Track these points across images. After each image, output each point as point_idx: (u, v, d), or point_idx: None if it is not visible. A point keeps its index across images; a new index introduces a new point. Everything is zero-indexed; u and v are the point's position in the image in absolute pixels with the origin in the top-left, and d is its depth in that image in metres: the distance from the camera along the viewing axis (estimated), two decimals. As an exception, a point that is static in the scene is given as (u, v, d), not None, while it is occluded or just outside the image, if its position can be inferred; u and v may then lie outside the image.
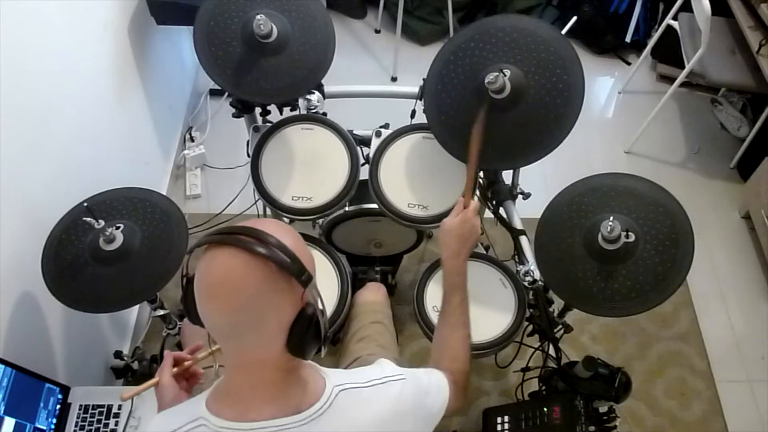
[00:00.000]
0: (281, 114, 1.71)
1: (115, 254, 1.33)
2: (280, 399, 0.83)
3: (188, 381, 1.11)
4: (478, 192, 1.62)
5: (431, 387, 1.00)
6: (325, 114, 1.69)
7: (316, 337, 0.81)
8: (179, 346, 1.67)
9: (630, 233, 1.22)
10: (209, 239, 0.77)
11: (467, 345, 1.16)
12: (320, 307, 0.80)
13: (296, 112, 1.68)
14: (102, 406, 1.45)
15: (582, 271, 1.28)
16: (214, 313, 0.78)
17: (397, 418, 0.92)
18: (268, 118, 1.74)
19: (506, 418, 1.53)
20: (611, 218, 1.20)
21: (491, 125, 1.32)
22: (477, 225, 1.25)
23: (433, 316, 1.48)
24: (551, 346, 1.57)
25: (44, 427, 1.35)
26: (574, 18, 1.82)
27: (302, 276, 0.77)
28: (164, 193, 2.41)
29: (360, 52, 3.17)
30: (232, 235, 0.76)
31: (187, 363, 1.09)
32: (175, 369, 1.08)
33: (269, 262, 0.74)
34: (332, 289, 1.51)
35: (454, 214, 1.26)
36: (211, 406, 0.85)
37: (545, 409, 1.46)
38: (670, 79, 2.79)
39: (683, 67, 2.51)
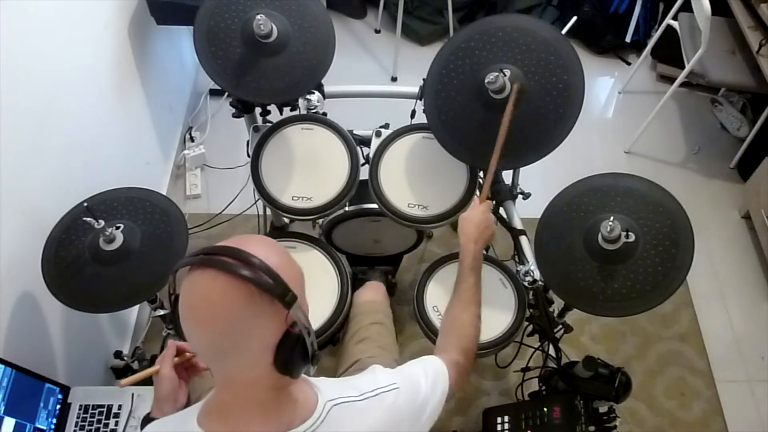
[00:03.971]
0: (281, 114, 1.71)
1: (115, 254, 1.33)
2: (271, 417, 0.83)
3: (187, 371, 1.10)
4: (478, 192, 1.62)
5: (427, 385, 0.99)
6: (325, 114, 1.69)
7: (303, 357, 0.79)
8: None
9: (630, 233, 1.22)
10: (192, 261, 0.75)
11: (477, 325, 1.18)
12: (306, 326, 0.78)
13: (296, 112, 1.68)
14: (102, 406, 1.45)
15: (582, 271, 1.28)
16: (196, 335, 0.77)
17: (392, 427, 0.91)
18: (268, 118, 1.74)
19: (506, 418, 1.52)
20: (611, 218, 1.20)
21: (491, 125, 1.33)
22: (492, 220, 1.33)
23: (433, 316, 1.47)
24: (551, 346, 1.57)
25: (44, 427, 1.35)
26: (574, 18, 1.82)
27: (285, 297, 0.74)
28: (164, 193, 2.40)
29: (360, 52, 3.17)
30: (214, 256, 0.74)
31: (188, 354, 1.09)
32: (176, 359, 1.08)
33: (250, 284, 0.72)
34: (332, 289, 1.51)
35: (471, 207, 1.35)
36: (202, 422, 0.84)
37: (545, 409, 1.46)
38: (670, 79, 2.79)
39: (683, 67, 2.51)
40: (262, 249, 0.77)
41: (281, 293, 0.74)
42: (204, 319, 0.75)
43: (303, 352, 0.79)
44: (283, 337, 0.77)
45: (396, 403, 0.92)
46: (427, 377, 1.00)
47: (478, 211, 1.31)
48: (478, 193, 1.56)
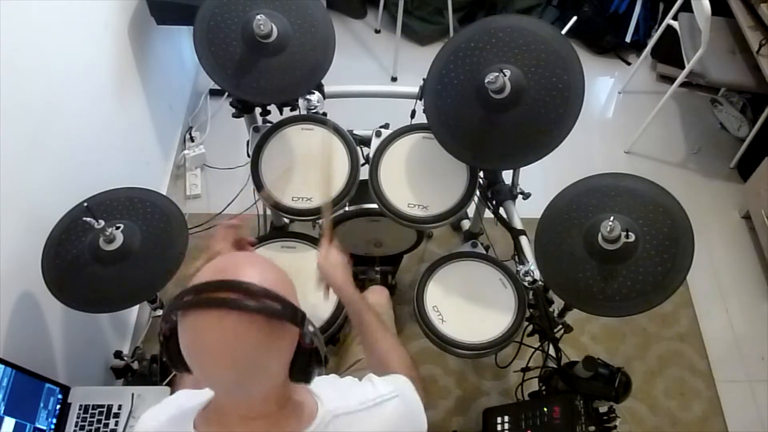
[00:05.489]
0: (281, 114, 1.71)
1: (115, 254, 1.34)
2: (273, 428, 0.82)
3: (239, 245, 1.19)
4: (478, 192, 1.63)
5: (416, 396, 0.98)
6: (325, 114, 1.69)
7: (317, 362, 0.80)
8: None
9: (630, 233, 1.22)
10: (188, 303, 0.71)
11: (399, 343, 1.13)
12: (317, 334, 0.78)
13: (296, 112, 1.68)
14: (102, 406, 1.44)
15: (582, 271, 1.28)
16: (215, 375, 0.75)
17: None
18: (268, 118, 1.74)
19: (506, 418, 1.53)
20: (611, 218, 1.20)
21: (491, 125, 1.33)
22: (338, 255, 1.22)
23: (434, 316, 1.48)
24: (551, 346, 1.57)
25: (44, 427, 1.35)
26: (574, 18, 1.82)
27: (296, 318, 0.74)
28: (164, 193, 2.40)
29: (360, 52, 3.17)
30: (214, 294, 0.70)
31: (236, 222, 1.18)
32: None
33: (260, 315, 0.70)
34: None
35: (324, 250, 1.22)
36: (199, 428, 0.83)
37: (545, 409, 1.46)
38: (670, 79, 2.79)
39: (683, 67, 2.51)
40: (255, 271, 0.75)
41: (291, 315, 0.74)
42: (222, 361, 0.72)
43: (317, 358, 0.79)
44: (297, 351, 0.77)
45: (395, 413, 0.92)
46: (411, 387, 0.99)
47: (334, 253, 1.21)
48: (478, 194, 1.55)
